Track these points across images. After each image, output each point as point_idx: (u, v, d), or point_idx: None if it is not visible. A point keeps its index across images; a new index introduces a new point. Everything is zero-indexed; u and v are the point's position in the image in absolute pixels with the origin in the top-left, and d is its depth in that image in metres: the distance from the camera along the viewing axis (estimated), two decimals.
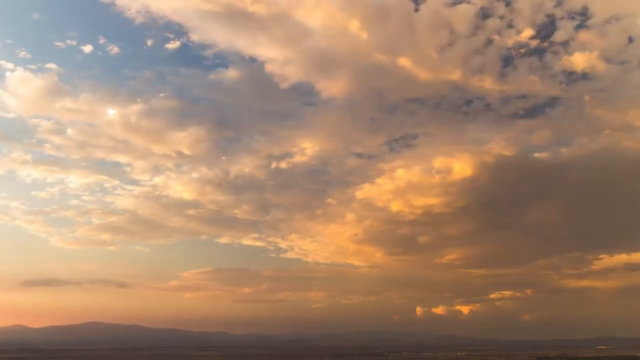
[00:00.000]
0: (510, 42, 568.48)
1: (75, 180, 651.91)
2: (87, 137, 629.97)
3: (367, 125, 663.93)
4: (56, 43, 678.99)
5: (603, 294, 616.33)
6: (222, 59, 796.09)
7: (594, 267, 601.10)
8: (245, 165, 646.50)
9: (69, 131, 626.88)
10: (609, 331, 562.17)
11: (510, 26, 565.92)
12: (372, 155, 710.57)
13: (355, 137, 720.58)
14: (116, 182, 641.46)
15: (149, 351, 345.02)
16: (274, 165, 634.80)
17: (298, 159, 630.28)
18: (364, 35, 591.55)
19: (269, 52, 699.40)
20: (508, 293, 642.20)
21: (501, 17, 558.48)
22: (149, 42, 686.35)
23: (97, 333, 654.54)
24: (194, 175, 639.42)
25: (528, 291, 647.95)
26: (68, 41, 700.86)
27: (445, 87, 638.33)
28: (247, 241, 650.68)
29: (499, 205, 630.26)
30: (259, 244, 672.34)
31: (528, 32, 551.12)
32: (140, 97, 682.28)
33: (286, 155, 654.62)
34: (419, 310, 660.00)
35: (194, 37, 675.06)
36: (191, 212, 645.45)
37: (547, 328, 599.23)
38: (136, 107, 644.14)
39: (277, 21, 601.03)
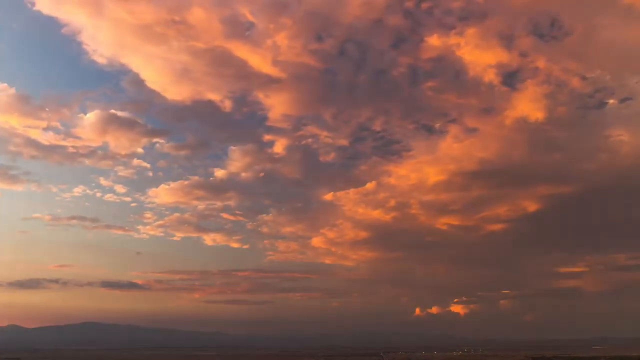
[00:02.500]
0: None
1: (63, 185, 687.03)
2: (67, 144, 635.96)
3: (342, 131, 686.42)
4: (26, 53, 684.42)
5: (598, 294, 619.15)
6: None
7: (589, 267, 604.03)
8: (231, 169, 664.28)
9: (46, 139, 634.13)
10: (604, 331, 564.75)
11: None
12: (355, 159, 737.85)
13: (335, 144, 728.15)
14: (97, 189, 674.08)
15: (146, 351, 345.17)
16: (259, 170, 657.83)
17: (281, 164, 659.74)
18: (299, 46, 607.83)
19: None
20: (504, 293, 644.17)
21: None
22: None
23: (94, 333, 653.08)
24: (179, 179, 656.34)
25: (524, 291, 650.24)
26: (37, 55, 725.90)
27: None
28: (235, 244, 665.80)
29: (479, 205, 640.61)
30: (245, 246, 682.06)
31: None
32: (117, 105, 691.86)
33: (270, 160, 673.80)
34: (414, 310, 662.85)
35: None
36: (178, 215, 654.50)
37: (542, 328, 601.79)
38: (115, 114, 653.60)
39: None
